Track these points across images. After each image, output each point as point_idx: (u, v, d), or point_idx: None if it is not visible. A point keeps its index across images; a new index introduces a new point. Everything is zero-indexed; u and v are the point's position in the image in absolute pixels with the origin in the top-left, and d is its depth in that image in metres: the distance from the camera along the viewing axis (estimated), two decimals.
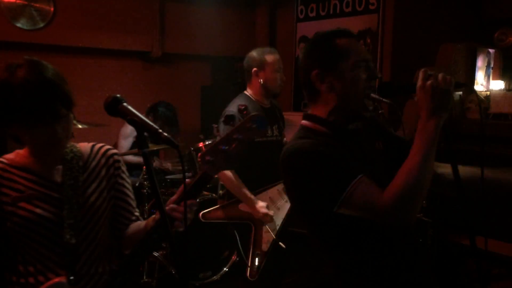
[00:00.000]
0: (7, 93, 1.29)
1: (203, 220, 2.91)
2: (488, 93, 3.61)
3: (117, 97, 1.20)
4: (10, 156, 1.47)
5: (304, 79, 1.57)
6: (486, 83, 3.72)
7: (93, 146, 1.57)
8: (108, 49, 4.57)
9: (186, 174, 4.21)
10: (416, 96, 1.43)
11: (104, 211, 1.51)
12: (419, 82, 1.42)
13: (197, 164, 3.91)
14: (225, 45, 5.27)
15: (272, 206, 2.88)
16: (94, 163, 1.52)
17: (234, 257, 3.86)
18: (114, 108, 1.19)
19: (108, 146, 1.57)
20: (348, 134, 1.57)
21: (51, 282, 1.37)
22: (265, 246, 2.83)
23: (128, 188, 1.58)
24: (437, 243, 2.94)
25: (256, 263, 2.82)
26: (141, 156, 1.14)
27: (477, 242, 1.64)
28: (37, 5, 4.08)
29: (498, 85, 3.70)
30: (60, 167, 1.46)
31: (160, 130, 1.11)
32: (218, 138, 1.32)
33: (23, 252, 1.41)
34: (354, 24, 4.42)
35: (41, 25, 4.11)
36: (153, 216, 1.50)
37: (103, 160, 1.54)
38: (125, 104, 1.20)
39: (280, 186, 2.92)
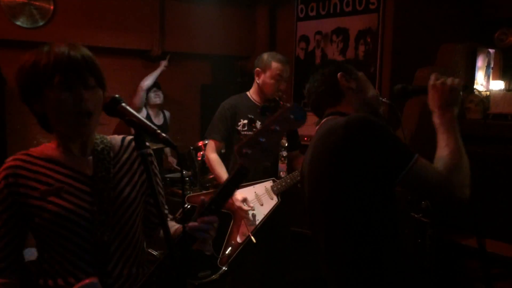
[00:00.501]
0: (44, 59, 1.29)
1: (187, 203, 3.03)
2: (488, 93, 3.60)
3: (116, 97, 1.20)
4: (36, 149, 1.41)
5: (326, 83, 1.74)
6: (486, 83, 3.72)
7: (123, 138, 1.52)
8: (108, 48, 4.57)
9: (186, 173, 4.22)
10: (428, 95, 1.61)
11: (137, 207, 1.44)
12: (431, 82, 1.62)
13: (197, 163, 3.92)
14: (225, 44, 5.27)
15: (255, 201, 2.92)
16: (125, 156, 1.47)
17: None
18: (113, 109, 1.19)
19: None
20: None
21: (82, 283, 1.28)
22: (240, 238, 2.89)
23: (159, 185, 1.54)
24: (437, 243, 2.93)
25: (227, 252, 2.90)
26: (140, 156, 1.13)
27: (475, 242, 1.66)
28: (37, 3, 4.08)
29: (498, 85, 3.70)
30: (90, 158, 1.40)
31: (159, 131, 1.12)
32: (255, 130, 1.26)
33: (50, 250, 1.35)
34: (354, 23, 4.42)
35: (41, 23, 4.11)
36: (174, 229, 1.48)
37: (135, 153, 1.48)
38: (123, 104, 1.20)
39: (268, 184, 2.96)
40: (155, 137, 1.10)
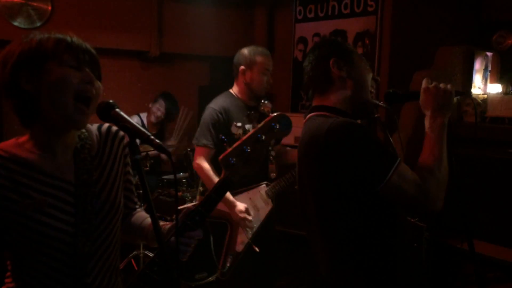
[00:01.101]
0: (53, 38, 1.25)
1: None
2: (485, 96, 3.60)
3: (110, 102, 1.18)
4: (8, 147, 1.25)
5: (317, 68, 1.65)
6: (483, 86, 3.72)
7: (99, 127, 1.41)
8: (106, 49, 4.54)
9: (183, 174, 4.22)
10: (420, 98, 1.59)
11: (120, 210, 1.37)
12: (423, 85, 1.59)
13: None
14: (223, 45, 5.26)
15: (251, 207, 2.81)
16: (107, 151, 1.38)
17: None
18: (107, 114, 1.17)
19: (115, 127, 1.40)
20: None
21: None
22: (239, 247, 2.78)
23: (131, 175, 1.48)
24: (433, 247, 2.94)
25: (228, 263, 2.77)
26: (133, 163, 1.13)
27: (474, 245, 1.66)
28: (35, 4, 4.07)
29: (495, 88, 3.70)
30: (71, 159, 1.29)
31: (152, 137, 1.11)
32: (240, 140, 1.27)
33: (25, 264, 1.25)
34: (352, 25, 4.42)
35: (38, 24, 4.09)
36: (167, 224, 1.42)
37: (115, 147, 1.40)
38: (117, 110, 1.18)
39: (262, 188, 2.86)
40: (149, 144, 1.09)
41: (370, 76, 1.69)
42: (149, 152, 3.87)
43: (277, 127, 1.25)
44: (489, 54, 3.73)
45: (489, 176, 3.05)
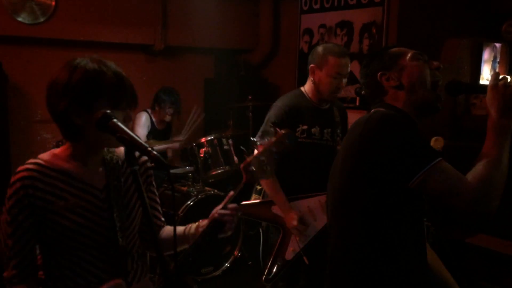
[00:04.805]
0: (101, 76, 1.33)
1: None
2: None
3: (107, 113, 1.19)
4: (46, 158, 1.42)
5: (369, 85, 1.70)
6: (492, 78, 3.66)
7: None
8: (110, 43, 4.54)
9: (188, 168, 4.22)
10: (487, 95, 1.50)
11: (139, 215, 1.52)
12: (491, 82, 1.49)
13: (199, 159, 3.90)
14: (228, 37, 5.23)
15: (309, 216, 2.64)
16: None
17: (235, 253, 3.87)
18: (104, 124, 1.18)
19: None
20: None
21: (108, 284, 1.37)
22: (289, 255, 2.61)
23: (157, 195, 1.64)
24: (440, 242, 2.91)
25: (274, 270, 2.60)
26: (131, 174, 1.12)
27: (479, 240, 1.64)
28: None
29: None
30: (101, 170, 1.45)
31: (150, 148, 1.10)
32: (257, 151, 1.51)
33: (61, 262, 1.40)
34: (359, 16, 4.36)
35: (42, 19, 4.08)
36: (197, 224, 1.58)
37: (139, 164, 1.55)
38: (115, 120, 1.19)
39: (323, 198, 2.64)
40: (147, 155, 1.08)
41: (426, 71, 1.63)
42: (154, 147, 3.86)
43: (287, 142, 1.49)
44: (497, 45, 3.67)
45: None
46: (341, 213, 1.63)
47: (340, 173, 1.63)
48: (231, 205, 1.47)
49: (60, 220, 1.35)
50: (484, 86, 1.53)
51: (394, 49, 1.69)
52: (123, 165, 1.50)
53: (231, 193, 1.50)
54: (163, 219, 1.67)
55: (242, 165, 1.47)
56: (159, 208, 1.65)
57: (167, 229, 1.66)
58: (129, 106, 1.38)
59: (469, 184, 1.39)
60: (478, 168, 1.42)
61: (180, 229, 1.60)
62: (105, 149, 1.47)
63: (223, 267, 3.81)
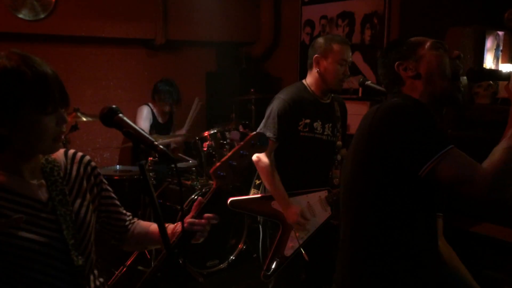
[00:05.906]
0: (22, 78, 1.18)
1: (230, 208, 2.65)
2: None
3: (113, 108, 1.18)
4: None
5: (386, 75, 1.67)
6: (495, 66, 3.64)
7: (65, 152, 1.43)
8: (111, 38, 4.53)
9: (192, 162, 4.23)
10: (510, 82, 1.50)
11: (92, 225, 1.40)
12: None
13: (203, 153, 3.91)
14: (229, 30, 5.21)
15: (308, 212, 2.64)
16: (74, 173, 1.40)
17: (240, 246, 3.88)
18: (110, 119, 1.17)
19: (81, 153, 1.46)
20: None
21: None
22: (288, 252, 2.61)
23: (112, 192, 1.52)
24: (445, 231, 2.91)
25: (273, 266, 2.59)
26: (139, 167, 1.12)
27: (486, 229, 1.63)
28: None
29: (507, 68, 3.62)
30: (42, 182, 1.31)
31: (156, 143, 1.10)
32: (226, 154, 1.43)
33: (17, 285, 1.23)
34: (360, 7, 4.34)
35: (43, 15, 4.07)
36: (175, 225, 1.48)
37: (81, 170, 1.42)
38: (121, 115, 1.18)
39: (322, 193, 2.68)
40: (153, 150, 1.09)
41: (446, 60, 1.60)
42: (159, 142, 3.87)
43: (257, 144, 1.41)
44: (500, 33, 3.64)
45: None
46: (353, 206, 1.61)
47: (351, 164, 1.61)
48: (207, 215, 1.39)
49: (8, 240, 1.19)
50: (506, 73, 1.52)
51: (412, 38, 1.66)
52: (66, 174, 1.37)
53: (199, 199, 1.42)
54: (129, 213, 1.58)
55: (211, 171, 1.40)
56: (118, 203, 1.54)
57: (140, 225, 1.56)
58: (57, 108, 1.23)
59: (483, 171, 1.37)
60: (495, 155, 1.40)
61: (155, 228, 1.52)
62: (43, 159, 1.33)
63: (228, 260, 3.83)
